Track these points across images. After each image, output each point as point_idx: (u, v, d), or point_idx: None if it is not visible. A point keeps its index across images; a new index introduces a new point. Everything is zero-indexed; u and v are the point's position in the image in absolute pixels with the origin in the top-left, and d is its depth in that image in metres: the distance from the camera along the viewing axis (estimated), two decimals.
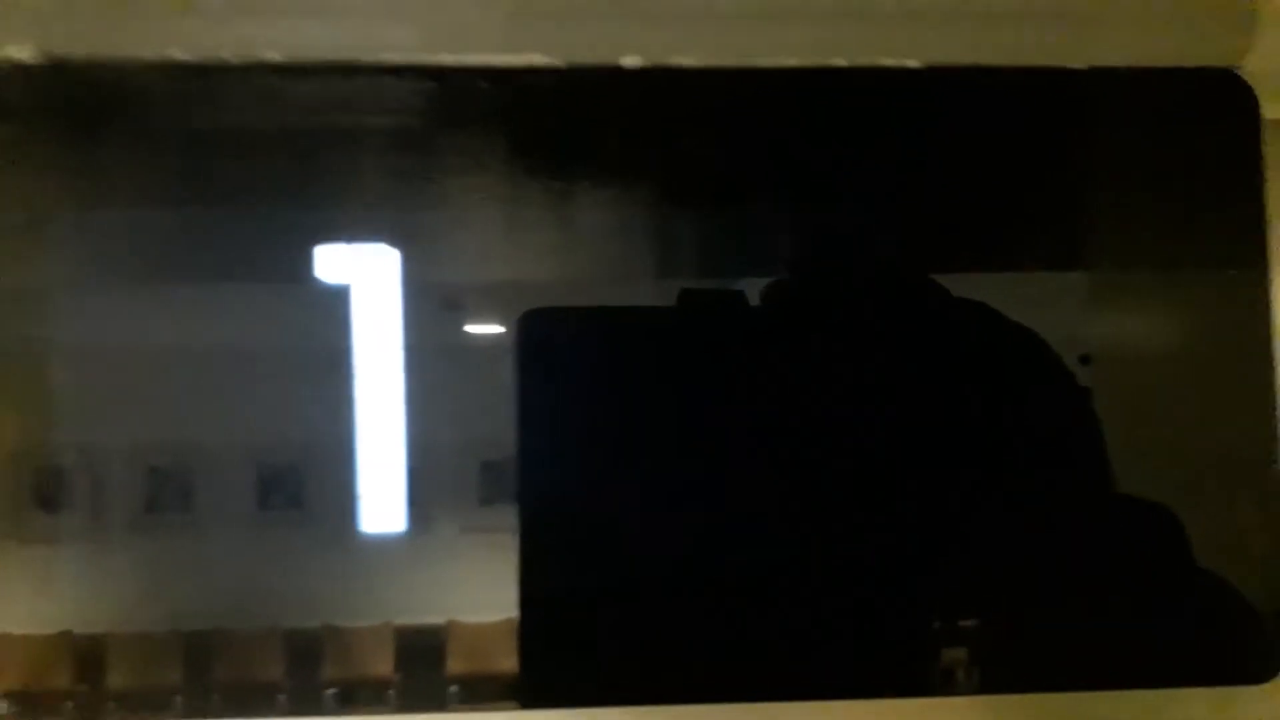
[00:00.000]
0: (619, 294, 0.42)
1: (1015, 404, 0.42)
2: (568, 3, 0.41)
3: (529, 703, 0.40)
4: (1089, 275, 0.43)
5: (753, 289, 0.42)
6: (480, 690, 0.41)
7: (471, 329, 0.42)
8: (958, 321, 0.42)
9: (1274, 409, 0.42)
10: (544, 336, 0.41)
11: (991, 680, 0.41)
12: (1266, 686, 0.41)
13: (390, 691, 0.42)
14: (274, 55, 0.40)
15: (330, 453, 0.41)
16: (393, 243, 0.41)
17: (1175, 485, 0.42)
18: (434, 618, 0.42)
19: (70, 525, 0.41)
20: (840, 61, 0.42)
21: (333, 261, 0.41)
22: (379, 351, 0.41)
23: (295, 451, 0.41)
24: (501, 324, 0.41)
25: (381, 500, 0.41)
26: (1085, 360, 0.42)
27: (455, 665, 0.41)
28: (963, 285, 0.42)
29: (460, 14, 0.40)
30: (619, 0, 0.41)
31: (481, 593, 0.41)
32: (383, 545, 0.41)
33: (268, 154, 0.41)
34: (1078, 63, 0.42)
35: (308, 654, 0.41)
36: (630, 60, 0.41)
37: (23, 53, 0.39)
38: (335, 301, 0.41)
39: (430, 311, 0.41)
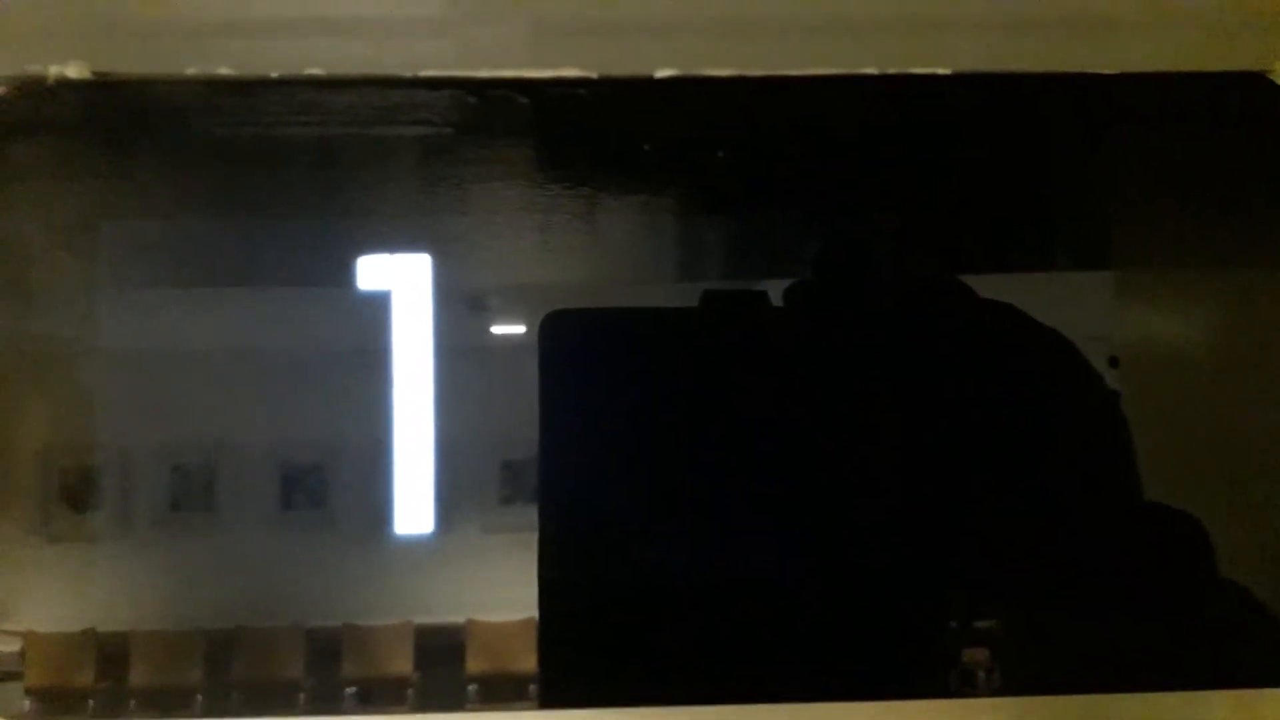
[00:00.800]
0: (646, 298, 0.42)
1: (1042, 406, 0.42)
2: (600, 16, 0.42)
3: (547, 702, 0.41)
4: (1118, 278, 0.43)
5: (776, 291, 0.42)
6: (499, 690, 0.42)
7: (497, 330, 0.43)
8: (984, 323, 0.42)
9: None
10: (566, 338, 0.41)
11: (1012, 682, 0.41)
12: None
13: (409, 690, 0.42)
14: (316, 71, 0.41)
15: (354, 453, 0.42)
16: (426, 249, 0.42)
17: (1203, 488, 0.42)
18: (454, 617, 0.42)
19: (97, 524, 0.42)
20: (870, 69, 0.42)
21: (370, 269, 0.42)
22: (412, 356, 0.42)
23: (319, 452, 0.42)
24: (528, 326, 0.42)
25: (408, 501, 0.42)
26: (1114, 362, 0.42)
27: (474, 665, 0.42)
28: (991, 287, 0.42)
29: (494, 29, 0.41)
30: (651, 12, 0.42)
31: (502, 592, 0.41)
32: (406, 545, 0.42)
33: (308, 165, 0.42)
34: (1107, 68, 0.43)
35: (328, 653, 0.42)
36: (663, 71, 0.42)
37: (75, 71, 0.41)
38: (368, 306, 0.42)
39: (459, 314, 0.42)
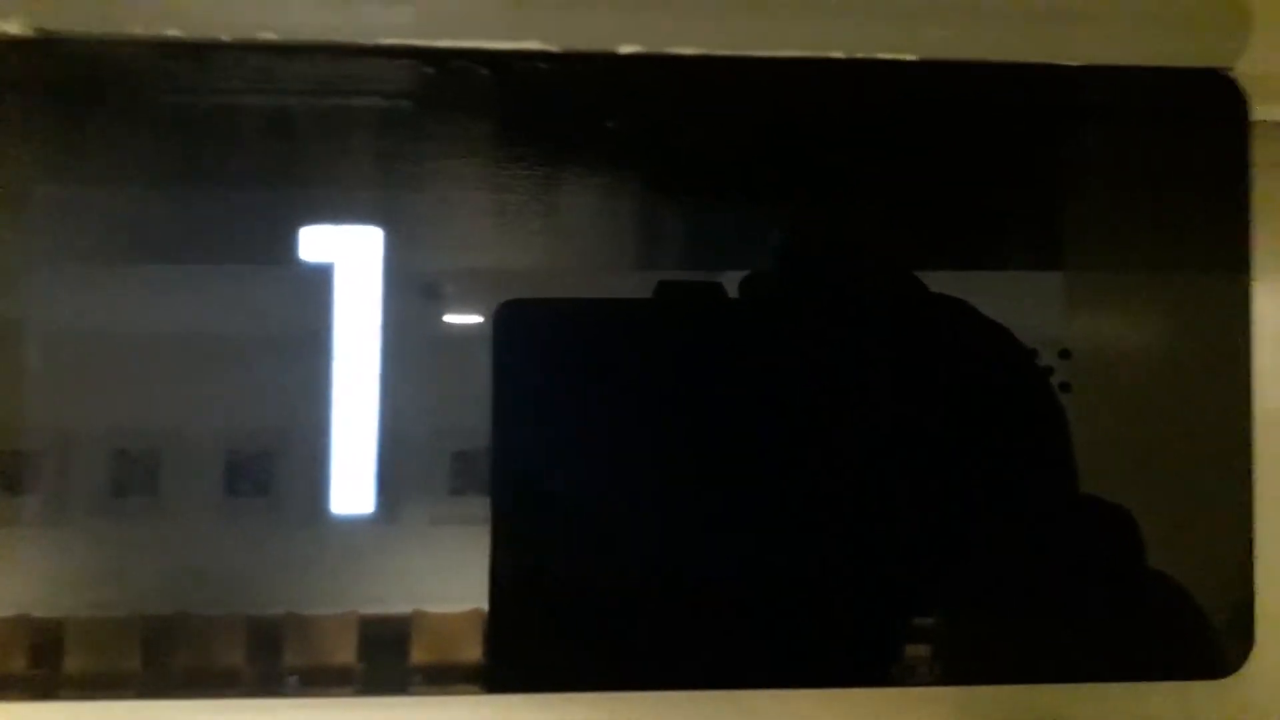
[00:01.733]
0: (603, 285, 0.42)
1: (985, 400, 0.43)
2: None
3: (494, 687, 0.41)
4: (1072, 274, 0.44)
5: (732, 282, 0.42)
6: (444, 679, 0.42)
7: (450, 318, 0.42)
8: (933, 317, 0.43)
9: (1249, 413, 0.43)
10: (520, 327, 0.41)
11: (952, 672, 0.42)
12: (1225, 681, 0.43)
13: (353, 681, 0.42)
14: (270, 35, 0.40)
15: (301, 439, 0.41)
16: (377, 224, 0.42)
17: (1146, 484, 0.43)
18: (400, 607, 0.42)
19: (34, 508, 0.41)
20: (837, 53, 0.42)
21: (317, 242, 0.41)
22: (357, 336, 0.41)
23: (265, 437, 0.41)
24: (481, 313, 0.41)
25: (351, 487, 0.41)
26: (1065, 355, 0.43)
27: (419, 655, 0.42)
28: (946, 282, 0.43)
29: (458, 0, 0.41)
30: None
31: (449, 583, 0.41)
32: (351, 532, 0.42)
33: (258, 134, 0.41)
34: (1070, 60, 0.43)
35: (270, 641, 0.41)
36: (627, 47, 0.41)
37: (16, 27, 0.40)
38: (315, 284, 0.41)
39: (409, 298, 0.42)
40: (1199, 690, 0.43)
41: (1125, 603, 0.43)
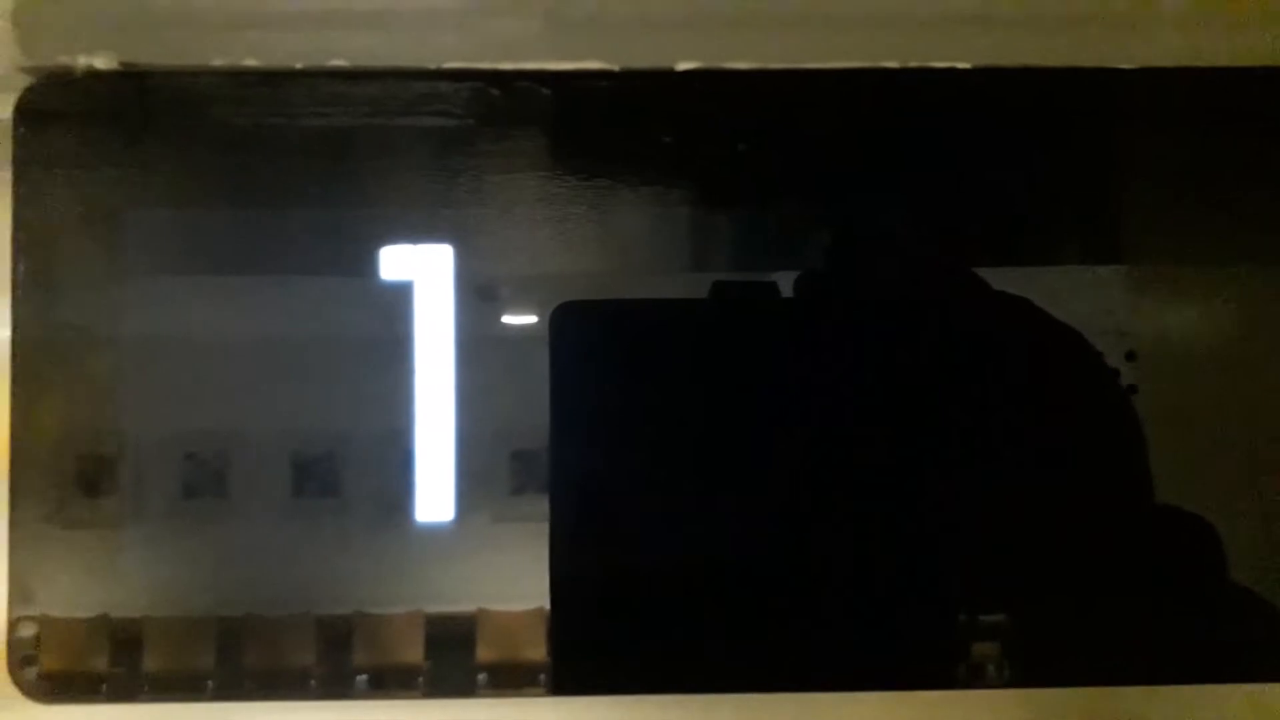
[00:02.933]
0: (663, 291, 0.43)
1: (1054, 402, 0.43)
2: (622, 8, 0.43)
3: (558, 690, 0.42)
4: (1138, 273, 0.44)
5: (786, 282, 0.43)
6: (509, 678, 0.43)
7: (509, 320, 0.44)
8: (997, 316, 0.43)
9: None
10: (577, 328, 0.42)
11: (1020, 675, 0.42)
12: None
13: (420, 679, 0.43)
14: (340, 62, 0.42)
15: (370, 442, 0.43)
16: (446, 240, 0.43)
17: (1216, 484, 0.43)
18: (465, 606, 0.43)
19: (111, 510, 0.43)
20: (891, 63, 0.43)
21: (390, 259, 0.43)
22: (427, 344, 0.43)
23: (332, 440, 0.43)
24: (539, 316, 0.43)
25: (427, 490, 0.43)
26: (1131, 356, 0.43)
27: (485, 653, 0.43)
28: (1006, 280, 0.43)
29: (516, 21, 0.42)
30: (673, 5, 0.43)
31: (513, 582, 0.42)
32: (419, 534, 0.43)
33: (330, 155, 0.43)
34: (1127, 63, 0.43)
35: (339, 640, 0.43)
36: (685, 64, 0.43)
37: (102, 61, 0.42)
38: (387, 296, 0.43)
39: (473, 304, 0.43)
40: (1276, 693, 0.42)
41: (1205, 613, 0.43)
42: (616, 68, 0.43)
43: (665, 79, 0.43)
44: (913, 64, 0.43)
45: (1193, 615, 0.43)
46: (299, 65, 0.42)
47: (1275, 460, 0.43)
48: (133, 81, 0.42)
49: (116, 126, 0.43)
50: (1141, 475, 0.43)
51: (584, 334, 0.42)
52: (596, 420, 0.42)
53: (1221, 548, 0.42)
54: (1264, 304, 0.44)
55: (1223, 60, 0.43)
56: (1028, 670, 0.42)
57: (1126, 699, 0.42)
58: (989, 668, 0.42)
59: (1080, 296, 0.43)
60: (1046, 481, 0.43)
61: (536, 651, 0.42)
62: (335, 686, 0.43)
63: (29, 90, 0.42)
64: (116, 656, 0.42)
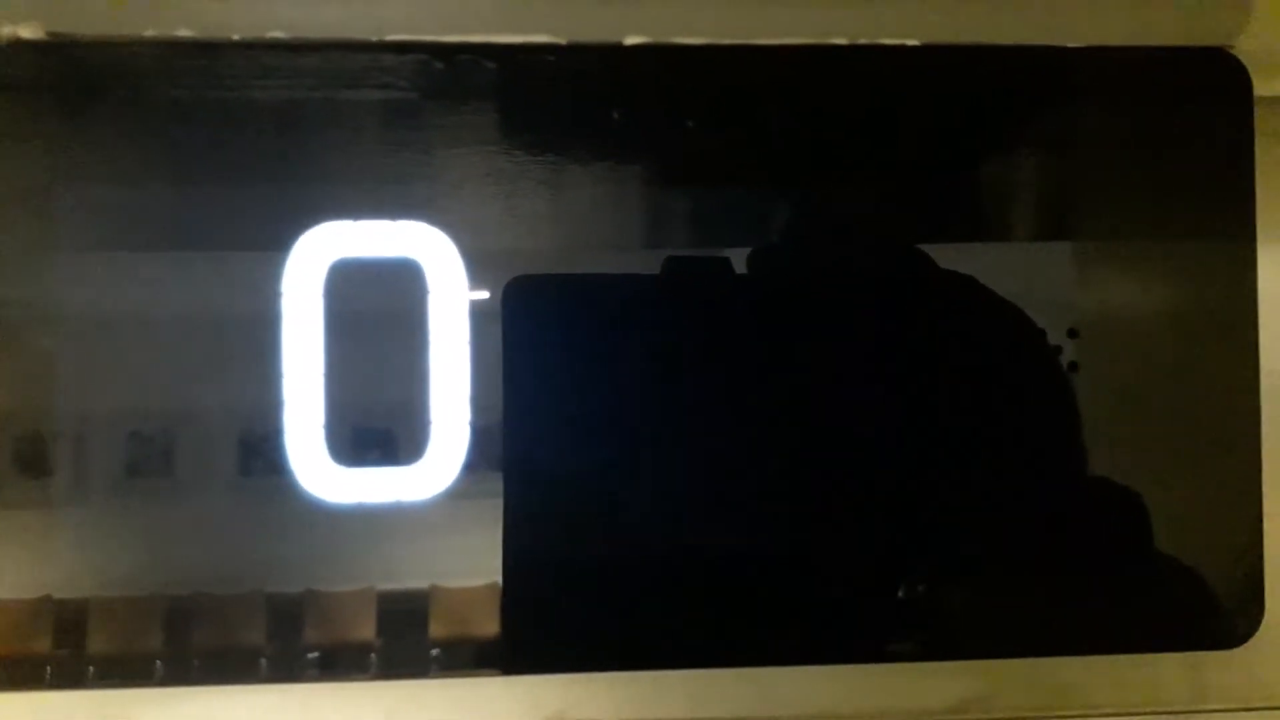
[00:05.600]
0: (613, 267, 0.44)
1: (994, 378, 0.44)
2: None
3: (511, 669, 0.43)
4: (1079, 250, 0.46)
5: (739, 259, 0.44)
6: (461, 655, 0.43)
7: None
8: (942, 293, 0.44)
9: (1257, 385, 0.44)
10: (529, 303, 0.43)
11: (960, 647, 0.44)
12: (1235, 651, 0.44)
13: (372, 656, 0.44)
14: (279, 34, 0.42)
15: (309, 417, 0.43)
16: (387, 216, 0.43)
17: (1154, 457, 0.45)
18: (417, 583, 0.44)
19: (51, 490, 0.42)
20: (840, 40, 0.44)
21: (332, 234, 0.43)
22: (375, 321, 0.43)
23: (275, 417, 0.43)
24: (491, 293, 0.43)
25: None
26: (1073, 334, 0.45)
27: (438, 630, 0.43)
28: (953, 257, 0.44)
29: None
30: None
31: (465, 558, 0.43)
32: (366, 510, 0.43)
33: (268, 129, 0.43)
34: (1073, 42, 0.44)
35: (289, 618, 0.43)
36: (633, 39, 0.43)
37: (28, 31, 0.41)
38: (333, 273, 0.43)
39: (416, 280, 0.43)
40: (1210, 661, 0.44)
41: (1135, 583, 0.45)
42: (564, 41, 0.43)
43: (613, 53, 0.43)
44: (861, 41, 0.44)
45: (1124, 585, 0.45)
46: (236, 36, 0.42)
47: (1210, 433, 0.45)
48: (61, 52, 0.41)
49: (46, 98, 0.42)
50: (1076, 449, 0.45)
51: (537, 308, 0.43)
52: (550, 395, 0.43)
53: (1148, 518, 0.44)
54: (1201, 280, 0.45)
55: (1168, 39, 0.45)
56: (965, 643, 0.44)
57: (1065, 669, 0.44)
58: (926, 641, 0.44)
59: (1025, 273, 0.45)
60: (987, 458, 0.44)
61: (490, 627, 0.43)
62: (285, 666, 0.43)
63: None
64: (60, 638, 0.42)
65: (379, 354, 0.43)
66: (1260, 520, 0.44)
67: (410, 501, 0.42)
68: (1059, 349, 0.44)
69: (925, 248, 0.44)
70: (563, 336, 0.43)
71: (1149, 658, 0.44)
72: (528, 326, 0.43)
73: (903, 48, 0.44)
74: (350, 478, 0.42)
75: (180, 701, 0.42)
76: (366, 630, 0.43)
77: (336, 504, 0.42)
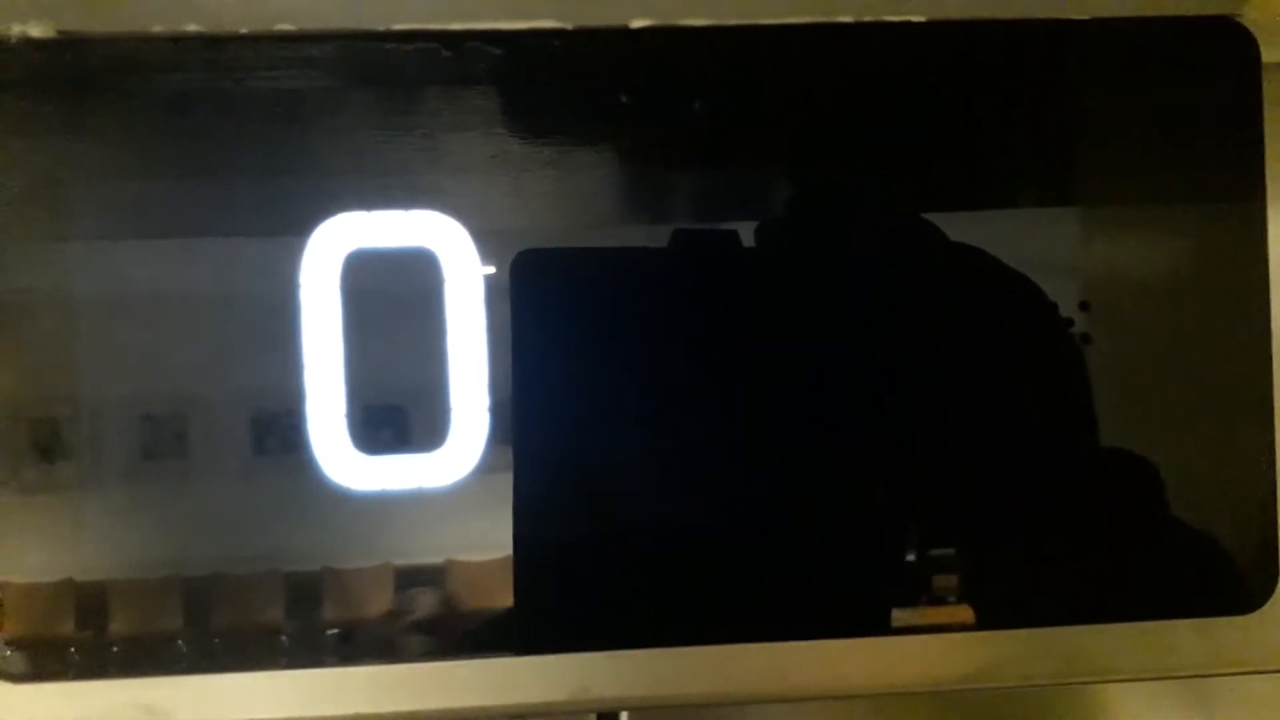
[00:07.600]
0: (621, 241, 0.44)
1: (1007, 350, 0.45)
2: None
3: (524, 648, 0.44)
4: (1090, 222, 0.46)
5: (747, 232, 0.44)
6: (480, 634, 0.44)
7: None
8: (953, 264, 0.45)
9: (1269, 350, 0.45)
10: (538, 277, 0.44)
11: (975, 617, 0.45)
12: (1250, 617, 0.45)
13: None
14: (286, 26, 0.42)
15: (326, 397, 0.43)
16: (401, 206, 0.44)
17: (1167, 425, 0.45)
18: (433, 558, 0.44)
19: (69, 474, 0.43)
20: (846, 18, 0.44)
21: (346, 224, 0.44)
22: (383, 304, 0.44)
23: (292, 397, 0.44)
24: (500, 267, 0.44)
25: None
26: (1085, 306, 0.45)
27: (456, 608, 0.44)
28: (963, 225, 0.45)
29: None
30: None
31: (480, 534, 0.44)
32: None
33: (277, 119, 0.43)
34: (1079, 14, 0.45)
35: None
36: (638, 21, 0.43)
37: (37, 29, 0.42)
38: (341, 259, 0.43)
39: (432, 268, 0.44)
40: (1224, 626, 0.45)
41: (1149, 550, 0.45)
42: (570, 26, 0.43)
43: (619, 37, 0.43)
44: (867, 18, 0.44)
45: (1139, 554, 0.45)
46: (243, 30, 0.42)
47: (1222, 401, 0.46)
48: (71, 49, 0.42)
49: (59, 94, 0.42)
50: (1088, 418, 0.45)
51: (545, 282, 0.44)
52: (560, 368, 0.44)
53: (1163, 487, 0.45)
54: (1211, 248, 0.46)
55: (1175, 9, 0.45)
56: (979, 613, 0.45)
57: (1079, 636, 0.45)
58: (941, 611, 0.45)
59: (1037, 245, 0.45)
60: (1001, 430, 0.45)
61: (504, 601, 0.44)
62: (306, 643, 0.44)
63: None
64: (82, 621, 0.43)
65: (396, 341, 0.44)
66: (1274, 486, 0.45)
67: (430, 488, 0.43)
68: (1070, 321, 0.45)
69: (935, 218, 0.44)
70: (571, 309, 0.44)
71: (1163, 624, 0.45)
72: (536, 300, 0.43)
73: (909, 24, 0.44)
74: (372, 465, 0.43)
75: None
76: (384, 606, 0.44)
77: (360, 491, 0.43)
